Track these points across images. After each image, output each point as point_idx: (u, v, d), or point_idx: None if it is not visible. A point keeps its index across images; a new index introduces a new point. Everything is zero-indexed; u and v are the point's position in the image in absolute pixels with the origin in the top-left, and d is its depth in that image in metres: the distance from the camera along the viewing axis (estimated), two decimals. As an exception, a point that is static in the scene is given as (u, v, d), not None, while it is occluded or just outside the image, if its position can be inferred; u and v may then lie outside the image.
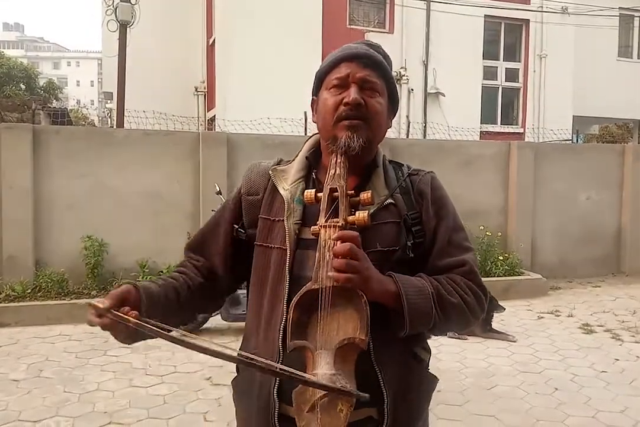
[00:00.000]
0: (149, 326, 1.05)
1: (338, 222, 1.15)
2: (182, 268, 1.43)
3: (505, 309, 5.27)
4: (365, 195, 1.19)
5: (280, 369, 0.99)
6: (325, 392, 1.01)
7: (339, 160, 1.25)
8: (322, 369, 1.04)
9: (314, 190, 1.23)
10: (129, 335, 1.16)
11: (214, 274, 1.42)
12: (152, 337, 1.12)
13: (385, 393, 1.19)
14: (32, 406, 3.56)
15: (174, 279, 1.37)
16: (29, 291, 5.64)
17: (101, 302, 1.11)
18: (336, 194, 1.19)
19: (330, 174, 1.23)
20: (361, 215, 1.15)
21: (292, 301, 1.13)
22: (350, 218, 1.16)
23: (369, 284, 1.12)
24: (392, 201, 1.30)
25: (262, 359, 1.01)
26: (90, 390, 3.83)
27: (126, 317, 1.07)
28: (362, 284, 1.11)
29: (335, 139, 1.27)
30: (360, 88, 1.26)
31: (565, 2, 12.89)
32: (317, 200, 1.21)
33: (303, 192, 1.30)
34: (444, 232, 1.31)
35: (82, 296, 5.71)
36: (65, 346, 4.75)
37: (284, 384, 1.19)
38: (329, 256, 1.12)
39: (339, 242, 1.11)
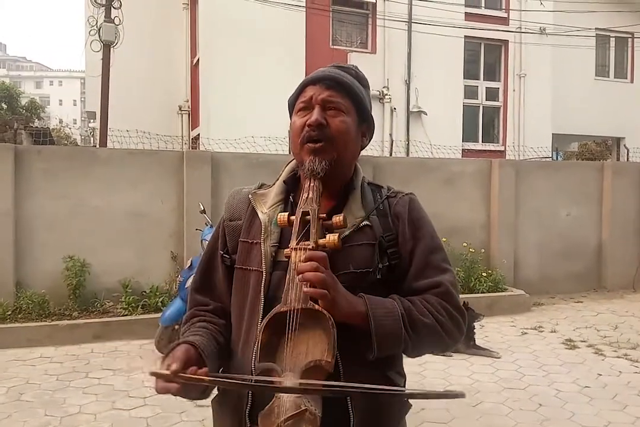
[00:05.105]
0: (224, 380, 1.05)
1: (309, 244, 1.16)
2: (200, 317, 1.38)
3: (484, 315, 5.28)
4: (337, 218, 1.20)
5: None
6: (290, 415, 1.00)
7: (312, 184, 1.25)
8: None
9: (286, 213, 1.24)
10: (202, 391, 1.17)
11: (228, 311, 1.40)
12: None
13: (352, 417, 1.18)
14: (12, 430, 3.49)
15: (206, 328, 1.33)
16: (9, 312, 5.55)
17: (164, 369, 1.07)
18: (308, 217, 1.20)
19: (303, 197, 1.24)
20: (331, 238, 1.16)
21: (262, 323, 1.13)
22: (321, 241, 1.16)
23: (338, 304, 1.12)
24: (368, 223, 1.30)
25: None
26: (72, 413, 3.77)
27: (199, 377, 1.05)
28: (331, 304, 1.11)
29: (302, 163, 1.30)
30: (323, 109, 1.28)
31: (543, 23, 13.20)
32: (290, 223, 1.22)
33: None
34: (420, 253, 1.30)
35: (64, 317, 5.63)
36: (46, 368, 4.67)
37: (255, 407, 1.17)
38: (299, 277, 1.12)
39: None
